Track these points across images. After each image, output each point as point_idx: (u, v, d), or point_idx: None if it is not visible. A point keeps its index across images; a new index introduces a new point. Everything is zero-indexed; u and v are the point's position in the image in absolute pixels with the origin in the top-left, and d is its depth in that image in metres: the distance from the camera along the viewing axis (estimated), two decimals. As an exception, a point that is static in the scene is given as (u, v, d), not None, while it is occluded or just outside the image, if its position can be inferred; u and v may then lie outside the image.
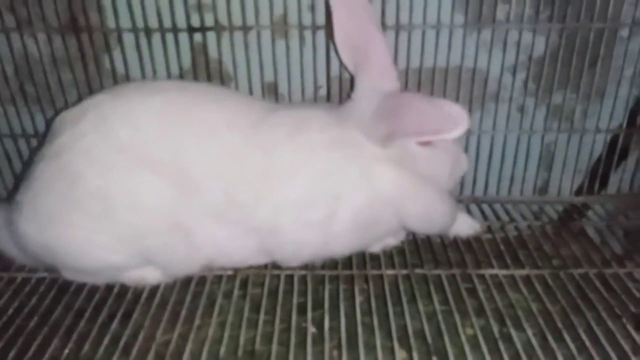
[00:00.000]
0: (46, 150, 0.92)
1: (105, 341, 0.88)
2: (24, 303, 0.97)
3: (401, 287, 0.98)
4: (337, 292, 0.97)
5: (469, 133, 1.20)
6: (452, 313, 0.92)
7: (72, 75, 1.15)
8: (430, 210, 1.00)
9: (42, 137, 1.19)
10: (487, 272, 1.02)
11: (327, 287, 0.99)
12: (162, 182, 0.89)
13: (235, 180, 0.92)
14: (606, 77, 1.17)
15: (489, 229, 1.16)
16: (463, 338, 0.86)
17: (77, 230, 0.89)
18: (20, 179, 1.01)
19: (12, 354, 0.85)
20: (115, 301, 0.97)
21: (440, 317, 0.90)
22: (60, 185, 0.89)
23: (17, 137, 1.22)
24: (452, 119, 0.84)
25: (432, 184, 0.99)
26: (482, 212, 1.22)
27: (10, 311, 0.95)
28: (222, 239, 0.95)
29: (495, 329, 0.88)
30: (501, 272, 1.02)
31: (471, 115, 1.18)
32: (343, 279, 1.01)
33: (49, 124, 1.18)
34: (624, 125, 1.22)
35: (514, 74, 1.18)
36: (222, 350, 0.86)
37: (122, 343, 0.87)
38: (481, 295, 0.96)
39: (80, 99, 1.14)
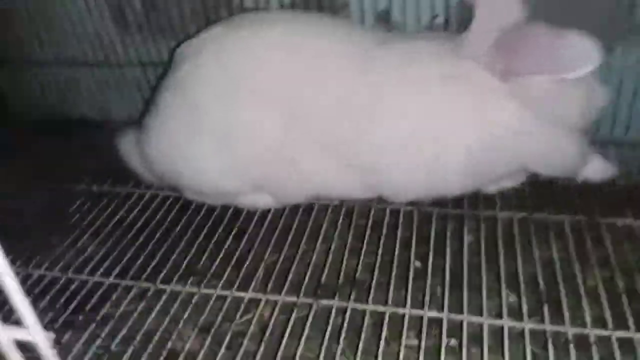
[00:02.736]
0: (170, 80, 0.98)
1: (221, 255, 0.95)
2: (151, 217, 1.07)
3: (516, 231, 0.93)
4: (444, 231, 0.94)
5: (608, 67, 1.04)
6: (572, 262, 0.86)
7: (192, 5, 1.19)
8: (556, 152, 0.91)
9: (166, 66, 1.27)
10: (618, 220, 0.92)
11: (434, 224, 0.96)
12: (274, 114, 0.91)
13: (340, 115, 0.90)
14: None
15: (627, 175, 1.03)
16: (582, 289, 0.80)
17: (196, 158, 0.95)
18: (148, 104, 1.09)
19: (139, 261, 0.96)
20: (230, 221, 1.04)
21: (557, 266, 0.85)
22: (183, 114, 0.95)
23: (145, 65, 1.30)
24: (579, 56, 0.76)
25: (560, 122, 0.89)
26: (622, 156, 1.08)
27: (140, 224, 1.06)
28: (326, 171, 0.95)
29: (621, 283, 0.80)
30: (636, 223, 0.91)
31: (612, 48, 1.02)
32: (452, 217, 0.98)
33: (171, 53, 1.24)
34: None
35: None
36: (325, 275, 0.88)
37: (234, 260, 0.94)
38: (608, 245, 0.88)
39: (198, 29, 1.19)
